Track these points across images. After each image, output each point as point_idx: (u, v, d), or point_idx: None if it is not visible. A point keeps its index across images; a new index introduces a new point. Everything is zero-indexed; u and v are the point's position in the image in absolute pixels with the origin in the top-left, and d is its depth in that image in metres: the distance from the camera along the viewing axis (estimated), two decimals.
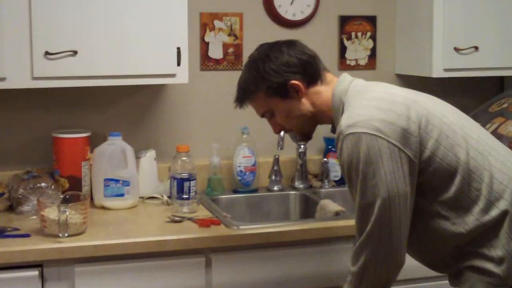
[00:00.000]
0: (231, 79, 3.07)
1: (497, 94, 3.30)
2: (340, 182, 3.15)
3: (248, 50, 3.10)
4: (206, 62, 3.08)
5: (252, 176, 3.05)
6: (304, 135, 2.18)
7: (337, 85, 2.05)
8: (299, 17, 3.18)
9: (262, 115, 2.16)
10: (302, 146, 3.10)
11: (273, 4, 3.14)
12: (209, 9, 3.07)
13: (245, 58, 3.10)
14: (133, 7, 2.59)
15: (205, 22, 3.06)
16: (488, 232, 1.85)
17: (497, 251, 1.83)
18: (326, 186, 3.11)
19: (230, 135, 3.09)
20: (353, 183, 1.86)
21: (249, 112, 3.10)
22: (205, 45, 3.07)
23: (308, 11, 3.19)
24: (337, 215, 2.68)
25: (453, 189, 1.85)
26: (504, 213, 1.84)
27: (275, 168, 3.09)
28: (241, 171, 3.04)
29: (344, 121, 1.86)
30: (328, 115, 2.07)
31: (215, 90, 3.10)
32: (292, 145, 3.09)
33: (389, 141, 1.81)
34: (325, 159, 3.14)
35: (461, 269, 1.89)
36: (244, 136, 3.05)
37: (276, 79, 2.05)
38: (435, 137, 1.86)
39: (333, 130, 2.07)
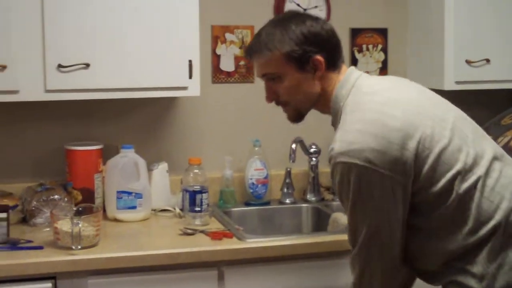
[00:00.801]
0: (242, 91, 3.12)
1: (509, 107, 3.29)
2: None
3: None
4: (218, 74, 3.09)
5: (264, 188, 3.05)
6: (298, 115, 2.09)
7: (340, 86, 1.99)
8: None
9: (263, 76, 2.05)
10: (314, 159, 3.10)
11: None
12: (221, 22, 3.08)
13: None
14: (145, 20, 2.61)
15: (217, 35, 3.07)
16: (474, 249, 1.83)
17: (479, 268, 1.82)
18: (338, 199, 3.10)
19: (242, 147, 3.09)
20: (344, 205, 1.90)
21: (261, 124, 3.13)
22: (216, 58, 3.08)
23: None
24: None
25: (445, 209, 1.83)
26: (492, 232, 1.83)
27: (287, 180, 3.09)
28: (253, 183, 3.04)
29: (337, 146, 1.83)
30: (327, 106, 2.03)
31: (227, 102, 3.11)
32: (304, 158, 3.09)
33: (380, 171, 1.78)
34: None
35: (447, 282, 1.88)
36: (256, 148, 3.06)
37: (302, 47, 1.96)
38: (430, 163, 1.81)
39: (333, 123, 2.04)
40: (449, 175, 1.82)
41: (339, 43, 2.05)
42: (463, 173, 1.83)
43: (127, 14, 2.59)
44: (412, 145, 1.80)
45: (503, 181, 1.87)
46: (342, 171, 1.81)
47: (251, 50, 2.05)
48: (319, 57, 1.97)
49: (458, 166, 1.83)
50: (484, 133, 2.02)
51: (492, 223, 1.82)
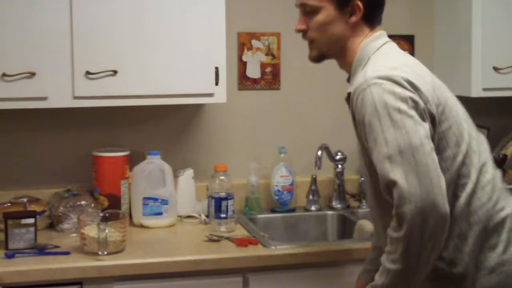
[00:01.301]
0: (268, 98, 3.12)
1: None
2: None
3: (285, 69, 3.13)
4: (244, 81, 3.10)
5: (289, 195, 3.05)
6: (320, 55, 2.06)
7: (370, 40, 1.98)
8: None
9: (301, 5, 2.03)
10: (339, 166, 3.09)
11: None
12: (247, 29, 3.09)
13: (282, 77, 3.13)
14: (172, 27, 2.62)
15: (243, 42, 3.08)
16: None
17: (449, 253, 1.85)
18: (364, 206, 3.09)
19: (267, 154, 3.09)
20: (375, 132, 1.77)
21: (287, 131, 3.13)
22: (243, 65, 3.09)
23: None
24: None
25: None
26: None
27: (313, 187, 3.08)
28: (278, 190, 3.04)
29: (372, 71, 1.83)
30: (350, 60, 2.00)
31: (253, 109, 3.12)
32: (330, 164, 3.08)
33: (418, 94, 1.79)
34: (362, 179, 3.13)
35: None
36: (282, 155, 3.05)
37: None
38: (443, 128, 1.85)
39: (349, 79, 2.03)
40: (453, 150, 1.85)
41: (383, 3, 2.03)
42: (464, 156, 1.87)
43: (154, 21, 2.61)
44: (435, 101, 1.84)
45: (493, 183, 1.91)
46: (380, 91, 1.77)
47: None
48: (359, 3, 1.95)
49: (462, 147, 1.87)
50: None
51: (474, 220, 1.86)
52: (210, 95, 2.70)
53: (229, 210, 2.76)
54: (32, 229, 2.43)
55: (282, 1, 3.10)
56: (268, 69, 3.12)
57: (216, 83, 2.68)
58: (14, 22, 2.48)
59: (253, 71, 3.10)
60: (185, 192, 2.86)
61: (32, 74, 2.50)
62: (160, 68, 2.63)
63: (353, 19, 1.96)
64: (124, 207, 2.79)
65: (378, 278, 1.80)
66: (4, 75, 2.47)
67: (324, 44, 2.02)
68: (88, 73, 2.55)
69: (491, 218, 1.87)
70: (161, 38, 2.62)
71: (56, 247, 2.43)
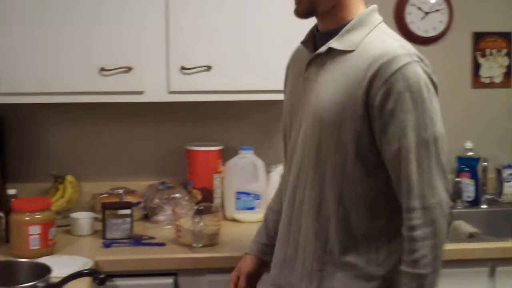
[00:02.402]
0: None
1: None
2: (473, 203, 3.05)
3: None
4: None
5: None
6: (310, 9, 1.78)
7: (373, 9, 1.80)
8: (431, 33, 3.13)
9: None
10: None
11: (404, 20, 3.10)
12: None
13: None
14: (266, 23, 2.63)
15: None
16: None
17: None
18: (459, 207, 3.01)
19: None
20: (409, 113, 1.62)
21: None
22: None
23: (440, 28, 3.13)
24: (471, 237, 2.60)
25: None
26: None
27: None
28: None
29: (403, 48, 1.68)
30: (342, 15, 1.76)
31: None
32: None
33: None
34: (457, 179, 3.06)
35: None
36: None
37: None
38: None
39: (330, 33, 1.77)
40: None
41: None
42: None
43: (249, 17, 2.62)
44: None
45: None
46: (420, 71, 1.65)
47: None
48: None
49: None
50: None
51: None
52: None
53: None
54: (128, 219, 2.49)
55: None
56: None
57: None
58: (111, 19, 2.54)
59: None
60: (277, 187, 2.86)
61: (129, 69, 2.55)
62: (253, 63, 2.64)
63: None
64: (217, 201, 2.82)
65: None
66: (102, 69, 2.53)
67: None
68: (183, 68, 2.59)
69: None
70: (255, 34, 2.63)
71: (151, 238, 2.48)
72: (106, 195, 2.72)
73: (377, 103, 1.64)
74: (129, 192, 2.77)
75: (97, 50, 2.55)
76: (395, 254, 1.72)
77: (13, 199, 2.42)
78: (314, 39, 1.86)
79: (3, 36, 2.50)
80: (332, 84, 1.71)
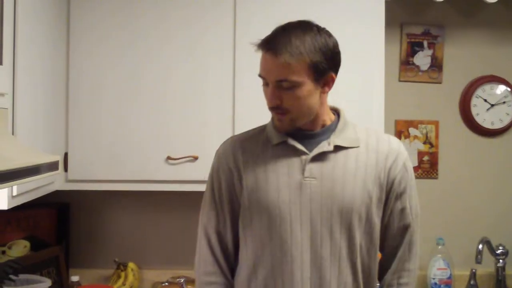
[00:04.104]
0: (426, 187, 3.05)
1: None
2: None
3: (443, 158, 3.06)
4: None
5: None
6: (292, 125, 1.89)
7: (343, 109, 2.02)
8: (497, 125, 3.10)
9: (280, 81, 1.83)
10: (501, 260, 2.94)
11: (470, 112, 3.08)
12: (405, 117, 3.07)
13: (440, 166, 3.06)
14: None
15: (400, 130, 3.06)
16: None
17: None
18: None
19: (424, 245, 2.97)
20: (413, 198, 2.01)
21: (445, 222, 3.04)
22: None
23: (507, 120, 3.10)
24: None
25: None
26: None
27: (472, 282, 2.94)
28: (435, 283, 2.92)
29: (397, 142, 2.01)
30: (321, 121, 1.93)
31: None
32: (490, 258, 2.95)
33: None
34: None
35: None
36: (439, 247, 2.96)
37: (327, 61, 1.85)
38: None
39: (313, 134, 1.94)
40: None
41: None
42: None
43: None
44: None
45: None
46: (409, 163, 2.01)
47: (279, 48, 1.81)
48: (334, 76, 1.89)
49: None
50: None
51: None
52: None
53: None
54: None
55: (440, 89, 3.07)
56: (426, 158, 3.07)
57: None
58: (178, 111, 2.60)
59: (410, 160, 3.05)
60: None
61: (195, 158, 2.59)
62: None
63: (326, 89, 1.90)
64: None
65: None
66: (168, 158, 2.57)
67: (299, 115, 1.88)
68: None
69: None
70: None
71: None
72: (166, 283, 2.73)
73: (379, 184, 1.96)
74: (190, 281, 2.76)
75: (165, 139, 2.60)
76: None
77: (76, 286, 2.44)
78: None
79: (75, 124, 2.57)
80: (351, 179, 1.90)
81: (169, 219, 2.96)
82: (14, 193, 2.02)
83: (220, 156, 2.00)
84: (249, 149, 1.96)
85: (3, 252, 2.65)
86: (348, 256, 1.88)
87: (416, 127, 3.07)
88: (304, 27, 1.87)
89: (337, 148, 1.90)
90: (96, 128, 2.57)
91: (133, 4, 2.59)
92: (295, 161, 1.89)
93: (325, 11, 2.60)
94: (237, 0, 2.61)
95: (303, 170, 1.88)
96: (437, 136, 3.08)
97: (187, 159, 2.59)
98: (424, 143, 3.07)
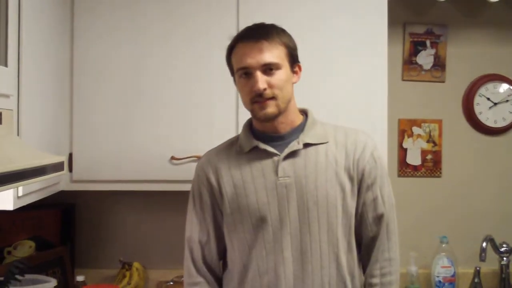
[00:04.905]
0: (429, 186, 3.06)
1: None
2: None
3: (447, 157, 3.07)
4: (404, 168, 3.06)
5: (451, 287, 2.93)
6: (278, 112, 1.99)
7: (310, 109, 2.11)
8: (500, 124, 3.10)
9: (266, 65, 1.95)
10: (505, 258, 2.95)
11: (473, 111, 3.09)
12: (408, 116, 3.07)
13: (444, 165, 3.07)
14: (340, 116, 2.64)
15: (404, 129, 3.06)
16: None
17: None
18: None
19: (427, 243, 3.01)
20: (385, 187, 2.07)
21: (449, 220, 3.04)
22: (403, 152, 3.06)
23: (510, 118, 3.11)
24: None
25: None
26: None
27: (476, 280, 2.95)
28: (439, 281, 2.93)
29: (365, 134, 2.09)
30: (292, 117, 2.05)
31: (413, 197, 3.06)
32: (494, 256, 2.95)
33: None
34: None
35: None
36: (443, 245, 2.96)
37: (296, 52, 2.05)
38: None
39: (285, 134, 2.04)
40: None
41: None
42: None
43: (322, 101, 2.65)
44: None
45: None
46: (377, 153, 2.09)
47: (270, 33, 1.99)
48: (300, 65, 2.07)
49: None
50: None
51: None
52: None
53: None
54: None
55: (443, 88, 3.07)
56: (429, 156, 3.07)
57: None
58: (182, 110, 2.61)
59: (413, 158, 3.07)
60: None
61: (199, 158, 2.59)
62: None
63: (295, 78, 2.05)
64: None
65: None
66: (172, 158, 2.58)
67: (284, 101, 2.00)
68: None
69: None
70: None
71: None
72: (171, 283, 2.74)
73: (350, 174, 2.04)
74: None
75: (169, 139, 2.61)
76: None
77: (81, 286, 2.45)
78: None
79: (80, 125, 2.59)
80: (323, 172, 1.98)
81: (174, 219, 2.97)
82: (20, 194, 2.03)
83: (199, 169, 2.13)
84: (225, 159, 2.08)
85: (9, 253, 2.67)
86: (329, 249, 1.97)
87: (420, 126, 3.08)
88: (272, 25, 2.03)
89: (307, 146, 2.01)
90: (101, 128, 2.58)
91: (137, 5, 2.60)
92: (268, 163, 2.00)
93: (328, 10, 2.60)
94: None
95: (276, 171, 1.99)
96: (440, 135, 3.08)
97: (191, 159, 2.60)
98: (428, 141, 3.08)
